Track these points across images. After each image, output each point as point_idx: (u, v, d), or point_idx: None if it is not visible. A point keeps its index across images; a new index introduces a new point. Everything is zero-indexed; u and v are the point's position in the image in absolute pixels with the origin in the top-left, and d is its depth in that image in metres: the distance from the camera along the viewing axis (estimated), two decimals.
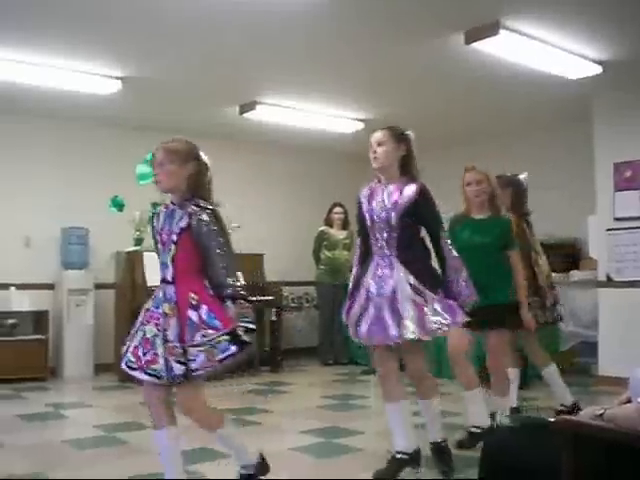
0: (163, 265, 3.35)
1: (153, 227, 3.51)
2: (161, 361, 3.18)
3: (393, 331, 3.66)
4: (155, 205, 7.87)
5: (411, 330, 3.62)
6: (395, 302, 3.70)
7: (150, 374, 3.23)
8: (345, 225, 8.63)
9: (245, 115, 7.70)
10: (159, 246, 3.41)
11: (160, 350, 3.19)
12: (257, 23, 5.26)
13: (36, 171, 7.84)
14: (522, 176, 5.37)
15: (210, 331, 3.14)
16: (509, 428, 2.40)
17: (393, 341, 3.71)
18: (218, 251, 3.28)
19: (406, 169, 3.98)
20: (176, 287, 3.27)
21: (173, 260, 3.30)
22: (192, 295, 3.23)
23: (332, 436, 4.94)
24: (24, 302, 7.50)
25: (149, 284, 7.20)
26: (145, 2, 4.92)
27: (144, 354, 3.25)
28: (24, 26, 5.31)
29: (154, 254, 7.20)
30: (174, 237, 3.31)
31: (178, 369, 3.14)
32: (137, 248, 7.66)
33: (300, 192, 9.59)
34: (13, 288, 7.50)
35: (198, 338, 3.14)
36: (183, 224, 3.30)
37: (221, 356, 3.14)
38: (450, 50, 5.80)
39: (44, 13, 5.08)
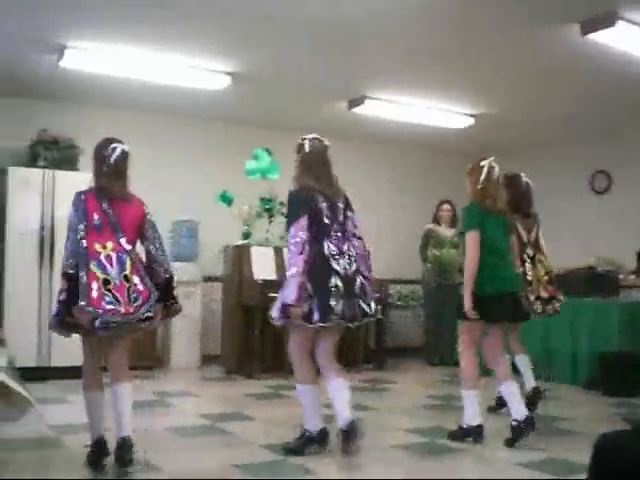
0: None
1: None
2: None
3: None
4: (264, 200, 8.04)
5: None
6: None
7: None
8: (453, 223, 8.44)
9: (354, 110, 7.64)
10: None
11: None
12: (367, 16, 5.20)
13: (149, 165, 8.03)
14: (523, 176, 5.61)
15: None
16: (623, 430, 2.22)
17: None
18: None
19: None
20: None
21: None
22: None
23: (436, 436, 4.81)
24: None
25: (256, 277, 7.26)
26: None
27: None
28: (142, 23, 5.48)
29: (261, 248, 7.31)
30: None
31: None
32: (245, 242, 7.72)
33: (407, 188, 9.48)
34: None
35: None
36: None
37: None
38: (565, 42, 5.58)
39: (159, 13, 5.22)
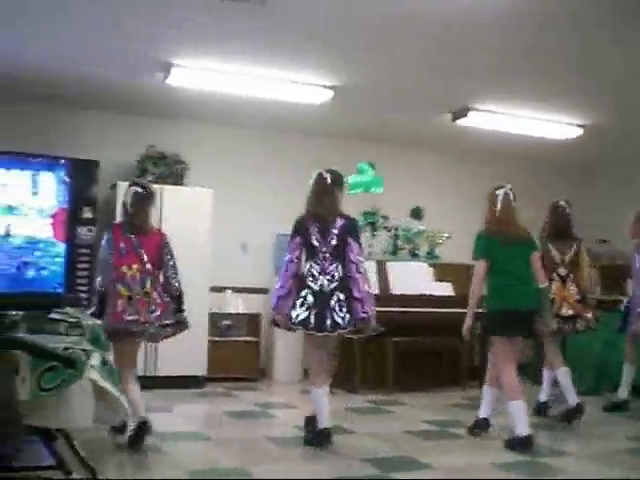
0: None
1: None
2: None
3: None
4: (367, 214, 8.03)
5: None
6: None
7: None
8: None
9: (458, 122, 7.54)
10: None
11: None
12: (469, 25, 5.12)
13: (252, 179, 8.18)
14: (562, 203, 6.19)
15: None
16: None
17: None
18: None
19: None
20: None
21: None
22: None
23: (537, 455, 4.65)
24: (239, 305, 7.82)
25: None
26: (356, 11, 4.95)
27: None
28: (245, 40, 5.57)
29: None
30: None
31: None
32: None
33: (516, 202, 9.22)
34: (229, 291, 7.85)
35: None
36: None
37: None
38: None
39: (262, 29, 5.30)
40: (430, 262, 8.15)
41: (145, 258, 4.69)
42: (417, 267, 8.02)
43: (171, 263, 4.88)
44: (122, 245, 4.66)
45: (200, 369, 7.14)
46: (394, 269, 7.80)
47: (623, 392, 6.42)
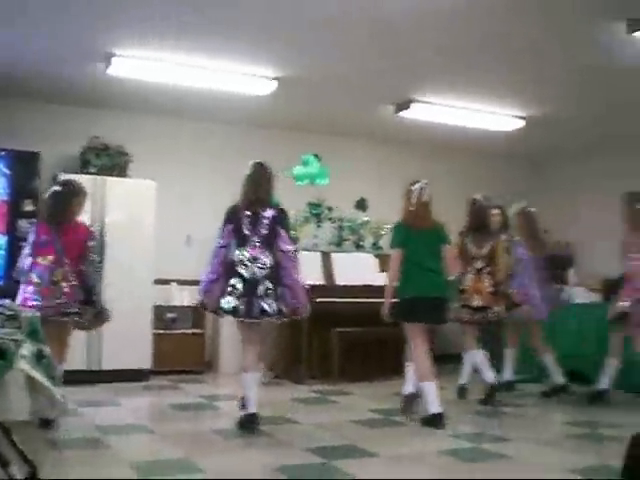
0: None
1: None
2: None
3: None
4: (312, 205, 8.05)
5: None
6: None
7: None
8: (504, 228, 8.28)
9: (400, 114, 7.60)
10: None
11: None
12: (412, 18, 5.17)
13: (196, 171, 8.14)
14: (479, 199, 6.42)
15: None
16: None
17: None
18: None
19: None
20: None
21: None
22: None
23: (482, 441, 4.74)
24: (184, 297, 7.77)
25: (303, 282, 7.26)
26: (300, 3, 4.98)
27: None
28: (187, 30, 5.54)
29: (309, 253, 7.41)
30: None
31: None
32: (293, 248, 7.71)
33: (455, 193, 9.32)
34: (174, 284, 7.80)
35: None
36: None
37: None
38: (611, 41, 5.47)
39: (206, 19, 5.28)
40: (375, 253, 8.21)
41: (61, 251, 4.98)
42: (362, 258, 8.08)
43: (91, 259, 5.08)
44: (43, 238, 5.01)
45: (145, 362, 7.09)
46: (339, 260, 7.85)
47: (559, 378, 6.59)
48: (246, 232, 4.91)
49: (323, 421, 5.37)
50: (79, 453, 4.29)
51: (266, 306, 4.79)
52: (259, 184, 5.08)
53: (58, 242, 4.99)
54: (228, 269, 4.88)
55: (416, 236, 5.35)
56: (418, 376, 5.31)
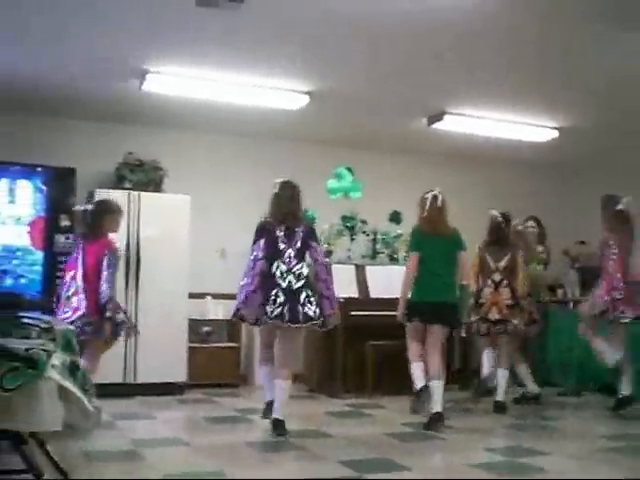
0: None
1: None
2: None
3: None
4: (345, 218, 8.05)
5: None
6: None
7: None
8: (540, 239, 8.20)
9: (433, 126, 7.59)
10: None
11: None
12: (444, 30, 5.17)
13: (230, 185, 8.20)
14: (497, 216, 6.66)
15: None
16: None
17: None
18: None
19: None
20: None
21: None
22: None
23: (516, 455, 4.69)
24: (219, 311, 7.81)
25: (338, 295, 7.24)
26: (332, 16, 4.98)
27: None
28: (221, 46, 5.60)
29: (343, 266, 7.46)
30: None
31: None
32: (327, 260, 7.69)
33: (491, 204, 9.27)
34: (209, 297, 7.85)
35: None
36: None
37: None
38: None
39: (238, 34, 5.33)
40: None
41: (82, 266, 5.30)
42: (396, 271, 8.03)
43: (105, 273, 5.25)
44: (74, 255, 5.44)
45: (180, 375, 7.12)
46: (373, 273, 7.83)
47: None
48: (281, 246, 5.18)
49: (357, 434, 5.36)
50: (113, 465, 4.33)
51: (310, 312, 5.07)
52: (291, 202, 5.34)
53: (81, 258, 5.34)
54: (265, 281, 5.09)
55: (430, 241, 5.63)
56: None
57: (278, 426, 5.10)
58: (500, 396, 6.35)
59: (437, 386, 5.48)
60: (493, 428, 5.72)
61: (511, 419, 6.07)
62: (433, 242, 5.62)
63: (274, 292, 5.04)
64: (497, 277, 6.36)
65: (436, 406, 5.44)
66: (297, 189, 5.41)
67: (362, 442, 5.07)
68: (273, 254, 5.16)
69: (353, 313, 7.13)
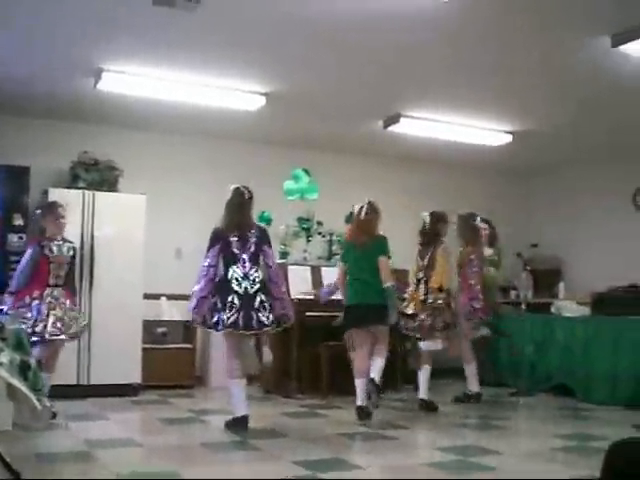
0: None
1: None
2: None
3: None
4: (302, 220, 8.07)
5: None
6: None
7: None
8: (491, 242, 8.32)
9: (389, 129, 7.65)
10: None
11: None
12: (400, 33, 5.22)
13: (186, 186, 8.17)
14: (426, 216, 6.81)
15: None
16: (634, 438, 2.18)
17: None
18: None
19: None
20: None
21: None
22: None
23: (468, 454, 4.75)
24: (174, 312, 7.78)
25: (293, 296, 7.26)
26: (289, 19, 5.02)
27: None
28: (177, 46, 5.59)
29: (299, 267, 7.49)
30: None
31: None
32: (283, 261, 7.73)
33: (444, 208, 9.39)
34: (164, 298, 7.81)
35: None
36: None
37: None
38: (596, 55, 5.54)
39: (195, 34, 5.33)
40: None
41: None
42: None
43: None
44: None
45: (134, 377, 7.07)
46: (329, 274, 7.85)
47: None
48: (236, 251, 5.33)
49: (310, 435, 5.38)
50: (66, 465, 4.30)
51: (263, 318, 5.21)
52: (243, 209, 5.50)
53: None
54: (219, 287, 5.26)
55: (356, 251, 6.00)
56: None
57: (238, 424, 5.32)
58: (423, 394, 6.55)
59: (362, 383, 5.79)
60: (446, 427, 5.79)
61: (463, 419, 6.16)
62: (360, 251, 5.96)
63: (230, 298, 5.18)
64: (420, 275, 6.63)
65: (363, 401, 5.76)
66: (248, 195, 5.53)
67: (316, 442, 5.09)
68: (228, 260, 5.32)
69: (308, 314, 7.15)
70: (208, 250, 5.39)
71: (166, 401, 6.81)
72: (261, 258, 5.39)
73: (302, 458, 4.48)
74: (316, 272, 7.85)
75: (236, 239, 5.36)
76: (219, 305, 5.20)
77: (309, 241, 8.10)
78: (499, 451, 4.81)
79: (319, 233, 8.25)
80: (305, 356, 7.32)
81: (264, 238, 5.50)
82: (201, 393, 7.44)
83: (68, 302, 5.69)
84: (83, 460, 4.40)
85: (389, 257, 5.99)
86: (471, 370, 6.98)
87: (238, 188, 5.55)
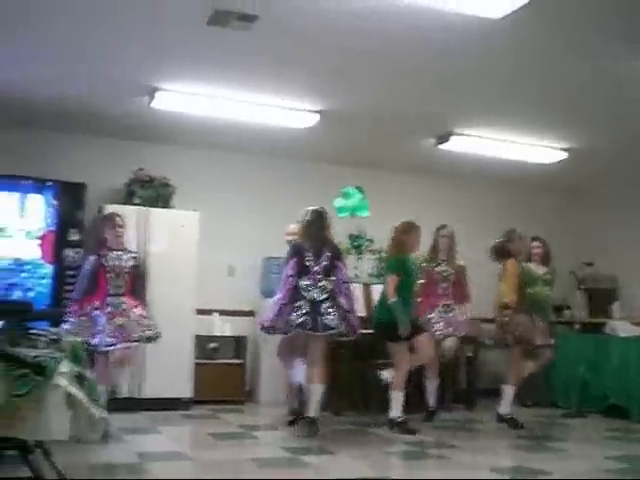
0: None
1: None
2: None
3: None
4: (353, 237, 8.09)
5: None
6: None
7: None
8: (544, 260, 8.19)
9: (440, 146, 7.64)
10: None
11: None
12: (451, 51, 5.22)
13: (239, 203, 8.25)
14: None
15: None
16: None
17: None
18: None
19: None
20: None
21: None
22: None
23: (519, 474, 4.69)
24: (225, 327, 7.85)
25: None
26: (342, 37, 5.04)
27: None
28: (230, 64, 5.66)
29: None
30: None
31: None
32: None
33: (497, 226, 9.30)
34: (216, 314, 7.88)
35: None
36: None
37: None
38: None
39: (248, 53, 5.38)
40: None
41: None
42: None
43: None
44: None
45: (186, 391, 7.15)
46: (379, 292, 7.84)
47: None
48: (308, 263, 5.87)
49: (359, 452, 5.36)
50: (117, 477, 4.36)
51: (328, 321, 5.70)
52: (321, 230, 6.04)
53: None
54: (295, 294, 5.79)
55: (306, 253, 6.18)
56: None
57: (312, 424, 5.78)
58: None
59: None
60: (497, 448, 5.71)
61: (514, 439, 6.06)
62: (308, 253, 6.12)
63: (298, 303, 5.72)
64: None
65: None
66: (326, 218, 6.13)
67: (364, 460, 5.06)
68: (301, 271, 5.85)
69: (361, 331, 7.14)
70: (287, 262, 5.95)
71: (217, 416, 6.86)
72: (333, 272, 5.88)
73: (349, 475, 4.49)
74: (367, 290, 7.85)
75: (310, 253, 5.90)
76: (290, 310, 5.73)
77: (360, 258, 8.11)
78: (549, 472, 4.74)
79: (370, 250, 8.26)
80: (356, 373, 7.30)
81: (338, 255, 6.06)
82: (251, 408, 7.47)
83: (135, 310, 5.75)
84: (135, 473, 4.46)
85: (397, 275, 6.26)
86: (433, 386, 6.94)
87: (317, 210, 6.11)
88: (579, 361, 7.67)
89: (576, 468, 5.01)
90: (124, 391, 6.76)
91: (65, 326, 5.22)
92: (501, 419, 6.54)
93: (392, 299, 6.13)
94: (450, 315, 6.83)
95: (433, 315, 6.79)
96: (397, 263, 6.36)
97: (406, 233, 6.44)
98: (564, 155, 7.94)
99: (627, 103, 6.30)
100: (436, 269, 6.97)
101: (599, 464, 5.10)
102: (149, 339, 5.79)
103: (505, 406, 6.55)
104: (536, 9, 4.43)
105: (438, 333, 6.69)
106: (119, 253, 5.84)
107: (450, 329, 6.75)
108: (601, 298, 8.98)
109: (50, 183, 7.08)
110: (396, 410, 6.12)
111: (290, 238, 6.41)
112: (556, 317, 8.60)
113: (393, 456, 5.27)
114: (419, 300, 6.78)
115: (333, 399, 7.24)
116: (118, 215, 5.99)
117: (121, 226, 5.93)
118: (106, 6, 4.61)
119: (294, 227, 6.41)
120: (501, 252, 6.73)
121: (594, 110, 6.56)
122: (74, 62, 5.64)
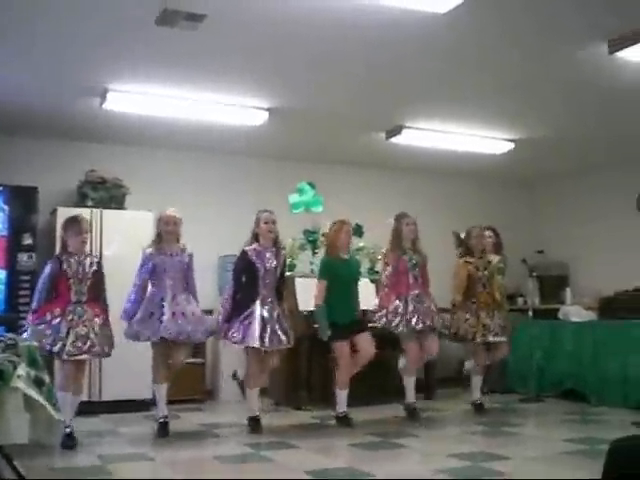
0: None
1: None
2: None
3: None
4: (308, 232, 8.13)
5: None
6: None
7: None
8: (497, 249, 8.33)
9: (391, 140, 7.72)
10: None
11: None
12: (400, 46, 5.29)
13: (193, 202, 8.21)
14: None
15: None
16: (635, 436, 2.22)
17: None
18: None
19: None
20: None
21: None
22: None
23: (478, 460, 4.78)
24: None
25: (300, 308, 7.32)
26: (289, 34, 5.09)
27: None
28: (180, 64, 5.67)
29: (306, 279, 7.54)
30: None
31: None
32: (289, 274, 7.78)
33: (447, 216, 9.43)
34: None
35: None
36: None
37: None
38: (594, 62, 5.60)
39: (197, 53, 5.41)
40: (371, 278, 8.25)
41: None
42: (360, 283, 8.10)
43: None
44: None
45: (145, 392, 7.11)
46: None
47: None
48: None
49: (321, 445, 5.42)
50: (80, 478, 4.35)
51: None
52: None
53: None
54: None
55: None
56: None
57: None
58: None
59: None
60: (456, 434, 5.82)
61: (473, 425, 6.18)
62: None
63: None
64: None
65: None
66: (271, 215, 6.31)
67: (327, 452, 5.14)
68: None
69: (316, 325, 7.18)
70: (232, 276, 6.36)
71: (177, 415, 6.82)
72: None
73: (313, 468, 4.53)
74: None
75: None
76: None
77: (315, 253, 8.15)
78: (508, 456, 4.85)
79: (325, 245, 8.29)
80: (315, 366, 7.35)
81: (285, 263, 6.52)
82: (211, 407, 7.48)
83: (98, 319, 5.54)
84: (97, 474, 4.45)
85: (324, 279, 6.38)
86: (411, 383, 6.77)
87: (265, 211, 6.30)
88: (534, 347, 7.82)
89: (535, 452, 5.13)
90: (83, 395, 6.71)
91: (24, 335, 5.04)
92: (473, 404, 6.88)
93: (317, 305, 6.30)
94: (425, 305, 6.47)
95: (401, 304, 6.42)
96: (324, 267, 6.43)
97: (336, 233, 6.47)
98: (511, 146, 8.09)
99: (569, 93, 6.45)
100: (404, 257, 6.60)
101: (558, 447, 5.22)
102: (108, 355, 5.70)
103: (474, 392, 6.87)
104: (479, 3, 4.53)
105: (419, 327, 6.36)
106: (80, 258, 5.58)
107: (428, 322, 6.39)
108: (553, 285, 9.18)
109: (0, 188, 6.99)
110: (339, 406, 6.29)
111: None
112: (510, 305, 8.75)
113: (356, 447, 5.31)
114: (385, 290, 6.58)
115: (293, 394, 7.31)
116: (85, 219, 5.74)
117: (87, 231, 5.69)
118: (55, 5, 4.58)
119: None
120: (459, 244, 7.02)
121: (537, 101, 6.71)
122: (22, 64, 5.59)
